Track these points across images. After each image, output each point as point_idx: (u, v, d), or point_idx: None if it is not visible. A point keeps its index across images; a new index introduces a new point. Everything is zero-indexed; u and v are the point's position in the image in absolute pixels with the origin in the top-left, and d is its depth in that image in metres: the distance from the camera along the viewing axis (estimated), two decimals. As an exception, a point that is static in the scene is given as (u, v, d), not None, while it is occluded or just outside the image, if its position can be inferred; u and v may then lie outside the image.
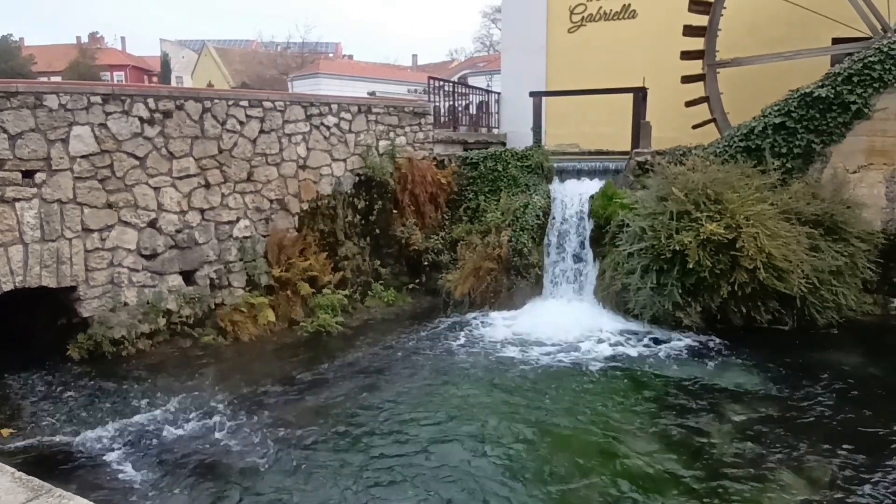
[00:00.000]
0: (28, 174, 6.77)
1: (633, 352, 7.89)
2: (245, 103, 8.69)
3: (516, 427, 5.92)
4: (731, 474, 5.22)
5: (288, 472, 5.19)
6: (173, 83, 47.00)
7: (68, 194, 7.08)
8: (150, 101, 7.73)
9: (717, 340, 8.17)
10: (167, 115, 7.91)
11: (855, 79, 9.29)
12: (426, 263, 10.20)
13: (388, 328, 8.87)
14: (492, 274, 9.41)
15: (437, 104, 12.62)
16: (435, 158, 11.05)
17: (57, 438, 5.57)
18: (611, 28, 13.75)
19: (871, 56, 9.27)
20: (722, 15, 11.16)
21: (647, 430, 5.97)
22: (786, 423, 6.09)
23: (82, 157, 7.17)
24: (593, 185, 10.04)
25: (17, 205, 6.70)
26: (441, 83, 12.60)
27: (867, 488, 4.97)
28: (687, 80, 11.44)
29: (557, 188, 10.27)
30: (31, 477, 2.56)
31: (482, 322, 8.95)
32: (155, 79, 50.71)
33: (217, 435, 5.81)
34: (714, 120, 11.25)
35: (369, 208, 10.14)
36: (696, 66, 11.44)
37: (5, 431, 5.60)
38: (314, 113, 9.45)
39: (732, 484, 5.09)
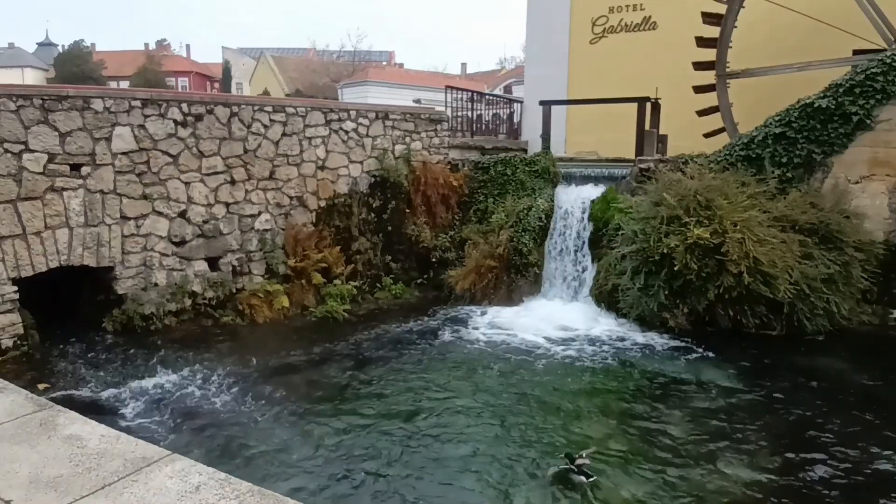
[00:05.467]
0: (75, 167, 7.81)
1: (615, 347, 8.29)
2: (269, 108, 9.58)
3: (492, 404, 6.48)
4: (683, 460, 5.55)
5: (279, 431, 5.90)
6: (233, 89, 49.57)
7: (109, 186, 8.09)
8: (184, 106, 8.69)
9: (701, 341, 8.43)
10: (198, 118, 8.86)
11: (857, 90, 9.38)
12: (434, 260, 10.85)
13: (392, 317, 9.56)
14: (493, 272, 9.96)
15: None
16: (449, 163, 11.69)
17: (83, 392, 6.50)
18: (632, 39, 14.10)
19: (873, 67, 9.35)
20: (735, 27, 11.34)
21: (614, 415, 6.42)
22: (748, 418, 6.37)
23: (123, 153, 8.17)
24: (596, 191, 10.46)
25: (65, 194, 7.73)
26: (460, 92, 13.25)
27: (810, 481, 5.22)
28: (699, 90, 11.69)
29: (563, 192, 10.73)
30: (37, 397, 3.31)
31: (478, 315, 9.52)
32: (217, 85, 53.53)
33: (222, 396, 6.63)
34: (724, 129, 11.45)
35: (383, 207, 10.87)
36: (710, 77, 11.67)
37: (41, 385, 6.56)
38: (333, 118, 10.27)
39: (682, 468, 5.43)
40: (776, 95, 10.53)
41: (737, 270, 8.16)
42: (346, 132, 10.47)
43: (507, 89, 34.58)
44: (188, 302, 8.79)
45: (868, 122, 9.42)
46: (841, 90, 9.46)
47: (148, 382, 6.85)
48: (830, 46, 10.97)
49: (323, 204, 10.21)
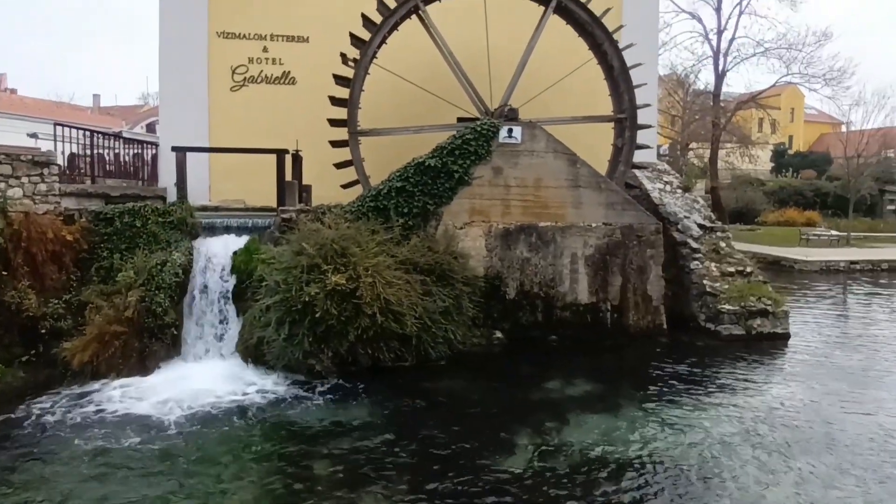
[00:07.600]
0: None
1: (262, 404, 8.09)
2: None
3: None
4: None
5: None
6: None
7: None
8: None
9: (346, 382, 8.88)
10: None
11: (457, 152, 11.34)
12: (44, 331, 9.03)
13: (-19, 411, 7.58)
14: (121, 338, 8.77)
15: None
16: (61, 213, 10.00)
17: None
18: (273, 91, 14.38)
19: (468, 134, 11.46)
20: (363, 90, 12.52)
21: (256, 478, 6.20)
22: (386, 449, 6.92)
23: None
24: (239, 242, 10.22)
25: None
26: (75, 130, 11.54)
27: (441, 495, 5.87)
28: (335, 144, 12.53)
29: (203, 244, 10.17)
30: None
31: (101, 392, 8.21)
32: None
33: None
34: (359, 181, 12.48)
35: (-34, 271, 8.66)
36: (344, 133, 12.58)
37: None
38: None
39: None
40: (404, 153, 11.94)
41: (371, 311, 8.87)
42: None
43: (151, 128, 31.70)
44: None
45: (467, 178, 11.43)
46: (445, 151, 11.29)
47: None
48: (441, 114, 13.02)
49: None
